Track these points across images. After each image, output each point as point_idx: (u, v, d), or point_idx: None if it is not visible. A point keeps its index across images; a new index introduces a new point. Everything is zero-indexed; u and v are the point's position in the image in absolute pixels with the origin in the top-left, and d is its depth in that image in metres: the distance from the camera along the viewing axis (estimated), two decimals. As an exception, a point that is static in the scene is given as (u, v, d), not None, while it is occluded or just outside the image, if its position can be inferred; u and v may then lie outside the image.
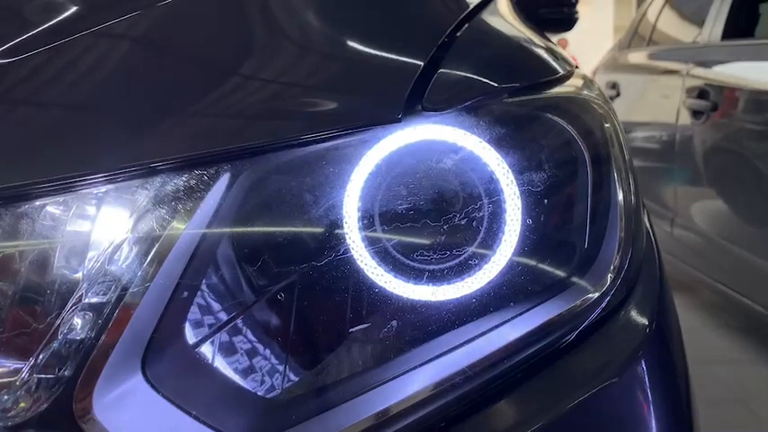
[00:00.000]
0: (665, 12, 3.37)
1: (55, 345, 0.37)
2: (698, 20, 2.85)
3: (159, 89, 0.45)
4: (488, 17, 0.75)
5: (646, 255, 0.58)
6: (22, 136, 0.41)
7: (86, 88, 0.45)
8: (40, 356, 0.37)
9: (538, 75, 0.62)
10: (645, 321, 0.53)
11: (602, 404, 0.48)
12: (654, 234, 0.65)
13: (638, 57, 3.55)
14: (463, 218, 0.50)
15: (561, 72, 0.66)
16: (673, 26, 3.32)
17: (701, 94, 2.46)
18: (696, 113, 2.49)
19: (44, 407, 0.37)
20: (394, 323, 0.47)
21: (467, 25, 0.68)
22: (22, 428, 0.37)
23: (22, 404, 0.37)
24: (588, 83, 0.72)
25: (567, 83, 0.65)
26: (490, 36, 0.71)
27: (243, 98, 0.46)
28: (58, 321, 0.38)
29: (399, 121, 0.47)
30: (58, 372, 0.38)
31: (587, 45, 7.95)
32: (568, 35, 8.90)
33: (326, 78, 0.50)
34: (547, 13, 1.68)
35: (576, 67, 0.79)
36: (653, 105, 3.12)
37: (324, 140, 0.44)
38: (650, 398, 0.51)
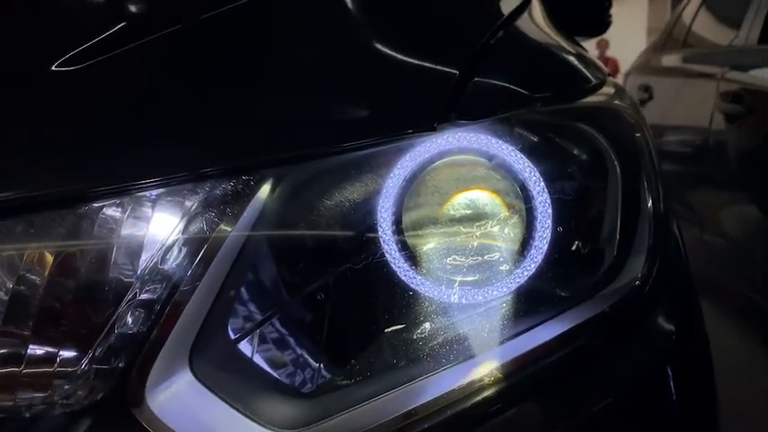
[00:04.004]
0: (700, 14, 3.32)
1: (111, 338, 0.40)
2: (735, 22, 2.81)
3: (208, 99, 0.48)
4: (523, 25, 0.77)
5: (673, 263, 0.59)
6: (81, 142, 0.44)
7: (141, 97, 0.48)
8: (98, 349, 0.40)
9: (571, 84, 0.64)
10: (671, 329, 0.54)
11: (625, 410, 0.49)
12: (682, 242, 0.66)
13: (671, 59, 3.50)
14: (495, 225, 0.51)
15: (594, 81, 0.67)
16: (708, 29, 3.27)
17: (736, 98, 2.42)
18: (730, 118, 2.46)
19: (100, 395, 0.40)
20: (426, 325, 0.49)
21: (501, 33, 0.70)
22: (80, 415, 0.40)
23: (81, 392, 0.40)
24: (620, 91, 0.73)
25: (600, 92, 0.67)
26: (524, 44, 0.72)
27: (284, 108, 0.48)
28: (113, 317, 0.40)
29: (434, 129, 0.49)
30: (114, 363, 0.40)
31: (622, 46, 7.87)
32: (606, 35, 8.82)
33: (364, 88, 0.52)
34: (580, 16, 1.68)
35: (609, 74, 0.80)
36: (686, 109, 3.08)
37: (360, 149, 0.46)
38: (675, 404, 0.53)
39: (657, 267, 0.54)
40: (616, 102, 0.65)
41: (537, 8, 0.90)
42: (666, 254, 0.56)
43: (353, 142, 0.47)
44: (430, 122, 0.49)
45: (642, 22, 8.55)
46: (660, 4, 8.32)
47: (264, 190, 0.44)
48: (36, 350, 0.40)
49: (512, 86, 0.59)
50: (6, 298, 0.39)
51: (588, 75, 0.70)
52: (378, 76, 0.54)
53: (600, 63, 0.93)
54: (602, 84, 0.69)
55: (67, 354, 0.40)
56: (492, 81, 0.58)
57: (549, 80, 0.62)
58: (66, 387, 0.40)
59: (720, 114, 2.53)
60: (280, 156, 0.45)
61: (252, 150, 0.45)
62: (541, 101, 0.57)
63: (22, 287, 0.39)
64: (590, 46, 8.87)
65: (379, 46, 0.57)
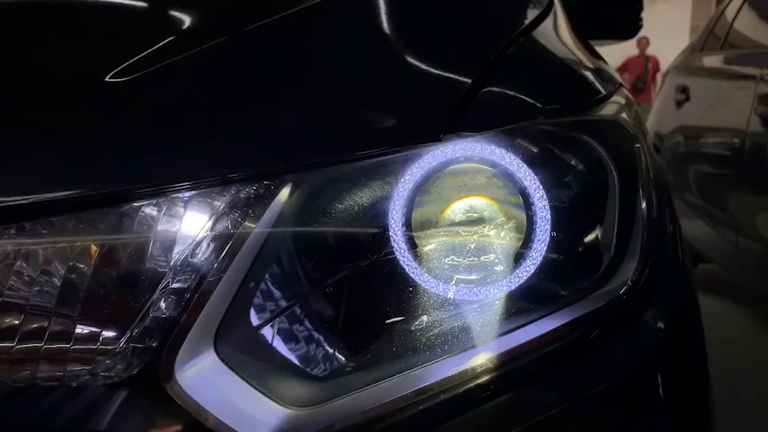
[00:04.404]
0: (743, 12, 3.26)
1: (146, 321, 0.46)
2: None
3: (237, 110, 0.53)
4: (538, 35, 0.80)
5: (668, 267, 0.62)
6: (125, 147, 0.49)
7: (178, 107, 0.53)
8: (135, 330, 0.46)
9: (578, 96, 0.67)
10: (660, 326, 0.57)
11: (611, 400, 0.53)
12: (681, 246, 0.69)
13: (710, 60, 3.45)
14: (498, 228, 0.56)
15: (602, 92, 0.70)
16: (751, 28, 3.21)
17: (775, 100, 2.38)
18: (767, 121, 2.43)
19: (136, 370, 0.46)
20: (430, 318, 0.54)
21: (516, 43, 0.73)
22: (118, 387, 0.46)
23: (119, 367, 0.46)
24: (628, 102, 0.76)
25: (607, 103, 0.70)
26: (536, 55, 0.75)
27: (303, 119, 0.53)
28: (149, 302, 0.46)
29: (440, 140, 0.53)
30: (148, 343, 0.46)
31: (665, 44, 7.74)
32: (648, 34, 8.66)
33: (376, 101, 0.57)
34: (611, 20, 1.69)
35: (621, 85, 0.83)
36: (723, 111, 3.04)
37: (370, 157, 0.51)
38: (660, 402, 0.56)
39: (649, 269, 0.57)
40: (619, 114, 0.69)
41: (557, 14, 0.93)
42: (658, 257, 0.59)
43: (364, 151, 0.51)
44: (436, 133, 0.53)
45: (686, 20, 8.38)
46: (705, 2, 8.13)
47: (284, 193, 0.49)
48: (83, 330, 0.46)
49: (519, 98, 0.63)
50: (59, 284, 0.45)
51: (598, 86, 0.73)
52: (389, 89, 0.58)
53: (613, 72, 0.96)
54: (610, 94, 0.72)
55: (109, 333, 0.46)
56: (500, 92, 0.62)
57: (556, 92, 0.65)
58: (108, 362, 0.46)
59: (758, 117, 2.50)
60: (298, 162, 0.50)
61: (273, 157, 0.50)
62: (547, 113, 0.61)
63: (73, 275, 0.45)
64: (630, 43, 8.73)
65: (392, 59, 0.62)
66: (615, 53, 8.78)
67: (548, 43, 0.80)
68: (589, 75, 0.78)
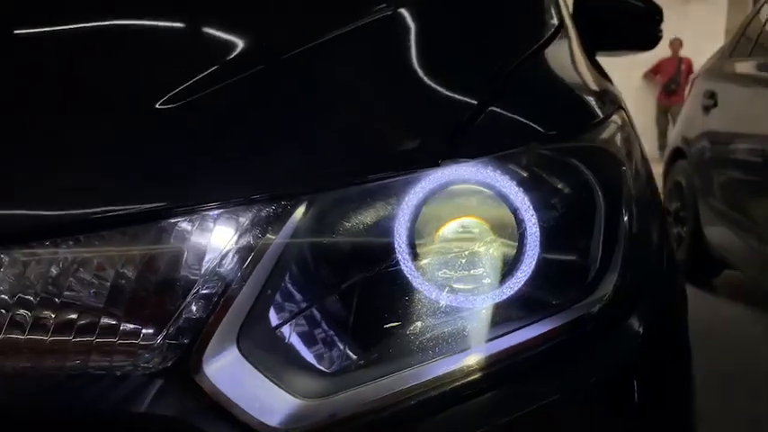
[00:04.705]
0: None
1: (180, 321, 0.54)
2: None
3: (260, 137, 0.61)
4: (543, 58, 0.85)
5: (650, 277, 0.68)
6: (165, 170, 0.57)
7: (211, 133, 0.61)
8: (170, 328, 0.54)
9: (576, 122, 0.73)
10: (639, 332, 0.63)
11: (587, 402, 0.60)
12: (666, 257, 0.75)
13: (739, 66, 3.43)
14: (486, 245, 0.62)
15: (599, 117, 0.76)
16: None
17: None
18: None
19: (170, 363, 0.54)
20: (429, 322, 0.61)
21: (520, 70, 0.79)
22: (154, 376, 0.53)
23: (156, 360, 0.53)
24: (623, 123, 0.81)
25: (604, 125, 0.76)
26: (539, 81, 0.80)
27: (315, 146, 0.61)
28: (182, 305, 0.54)
29: (438, 165, 0.60)
30: (181, 340, 0.54)
31: (700, 45, 7.63)
32: (682, 35, 8.57)
33: (381, 130, 0.64)
34: (630, 32, 1.72)
35: (620, 107, 0.88)
36: (750, 118, 3.03)
37: (375, 180, 0.59)
38: (636, 403, 0.62)
39: (630, 280, 0.63)
40: (611, 138, 0.74)
41: (564, 34, 0.98)
42: (640, 269, 0.65)
43: (370, 175, 0.59)
44: (435, 160, 0.60)
45: (721, 21, 8.25)
46: (741, 4, 7.98)
47: (299, 211, 0.57)
48: (127, 327, 0.54)
49: (518, 124, 0.69)
50: (109, 287, 0.53)
51: (596, 109, 0.79)
52: (394, 120, 0.65)
53: (615, 90, 1.01)
54: (607, 117, 0.78)
55: (148, 331, 0.54)
56: (500, 118, 0.68)
57: (554, 118, 0.71)
58: (147, 355, 0.53)
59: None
60: (312, 185, 0.58)
61: (290, 181, 0.58)
62: (544, 139, 0.67)
63: (120, 280, 0.53)
64: (663, 45, 8.61)
65: (398, 92, 0.69)
66: (647, 54, 8.67)
67: (551, 67, 0.86)
68: (589, 99, 0.84)
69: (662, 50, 8.30)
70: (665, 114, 8.74)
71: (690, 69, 8.10)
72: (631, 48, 1.79)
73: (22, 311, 0.52)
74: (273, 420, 0.53)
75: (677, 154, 3.93)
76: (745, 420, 2.01)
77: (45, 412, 0.52)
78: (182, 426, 0.52)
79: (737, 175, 3.12)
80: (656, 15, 1.69)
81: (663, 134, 8.62)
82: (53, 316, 0.53)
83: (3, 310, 0.52)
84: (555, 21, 0.97)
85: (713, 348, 2.87)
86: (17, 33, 0.77)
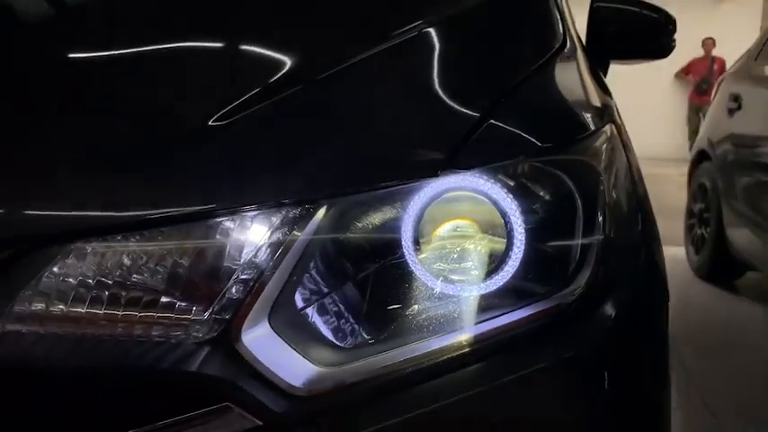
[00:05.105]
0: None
1: (223, 301, 0.66)
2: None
3: (290, 151, 0.73)
4: (545, 73, 0.96)
5: (623, 275, 0.79)
6: (214, 179, 0.70)
7: (254, 146, 0.73)
8: (216, 306, 0.66)
9: (568, 135, 0.84)
10: (609, 318, 0.74)
11: (560, 373, 0.71)
12: (642, 256, 0.85)
13: (763, 69, 3.45)
14: (481, 242, 0.74)
15: (590, 130, 0.87)
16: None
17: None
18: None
19: (215, 334, 0.66)
20: (428, 304, 0.73)
21: (522, 86, 0.90)
22: (203, 344, 0.65)
23: (205, 330, 0.66)
24: (611, 134, 0.92)
25: (593, 137, 0.87)
26: (538, 96, 0.91)
27: (334, 158, 0.73)
28: (225, 288, 0.66)
29: (437, 175, 0.71)
30: (224, 315, 0.66)
31: (734, 45, 7.54)
32: (713, 34, 8.48)
33: (391, 143, 0.76)
34: (643, 42, 1.79)
35: (611, 120, 0.98)
36: (771, 121, 3.06)
37: (383, 188, 0.71)
38: (604, 376, 0.74)
39: (601, 276, 0.75)
40: (598, 150, 0.85)
41: (567, 48, 1.06)
42: (611, 267, 0.76)
43: (379, 183, 0.71)
44: (435, 170, 0.72)
45: (756, 20, 8.13)
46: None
47: (321, 213, 0.69)
48: (181, 305, 0.66)
49: (514, 138, 0.80)
50: (167, 273, 0.66)
51: (588, 123, 0.90)
52: (401, 136, 0.77)
53: (611, 103, 1.10)
54: (595, 131, 0.89)
55: (198, 308, 0.66)
56: (497, 132, 0.80)
57: (548, 132, 0.81)
58: (197, 327, 0.66)
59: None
60: (331, 191, 0.70)
61: (313, 188, 0.70)
62: (531, 153, 0.78)
63: (176, 267, 0.66)
64: (695, 44, 8.52)
65: (405, 111, 0.81)
66: (679, 55, 8.64)
67: (549, 85, 0.96)
68: (580, 114, 0.94)
69: (695, 50, 8.23)
70: (696, 114, 8.66)
71: (722, 69, 8.01)
72: (645, 57, 1.85)
73: (100, 292, 0.65)
74: (297, 383, 0.66)
75: (702, 156, 3.96)
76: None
77: (117, 371, 0.66)
78: (223, 383, 0.64)
79: (760, 178, 3.15)
80: (669, 25, 1.75)
81: (694, 133, 8.55)
82: (124, 295, 0.66)
83: (87, 291, 0.65)
84: (558, 38, 1.07)
85: (733, 347, 2.91)
86: (83, 57, 0.91)
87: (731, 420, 2.29)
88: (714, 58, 8.36)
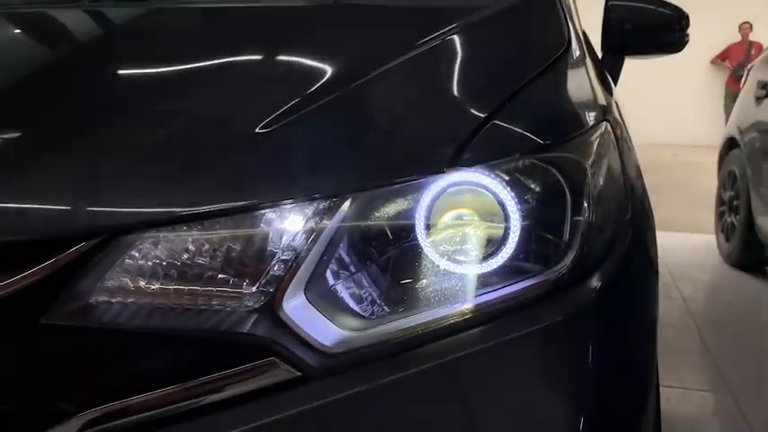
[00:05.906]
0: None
1: (268, 277, 0.81)
2: None
3: (319, 154, 0.88)
4: (545, 79, 1.09)
5: (607, 254, 0.92)
6: (259, 177, 0.85)
7: (293, 149, 0.87)
8: (262, 281, 0.81)
9: (565, 133, 0.97)
10: (594, 289, 0.87)
11: (552, 334, 0.84)
12: (631, 238, 0.98)
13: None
14: (482, 227, 0.88)
15: (585, 127, 1.00)
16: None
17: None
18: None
19: (262, 303, 0.81)
20: (437, 279, 0.87)
21: (525, 88, 1.03)
22: (252, 312, 0.80)
23: (254, 299, 0.81)
24: (605, 131, 1.04)
25: (586, 134, 0.99)
26: (536, 100, 1.03)
27: (358, 158, 0.88)
28: (269, 267, 0.81)
29: (443, 172, 0.85)
30: (268, 288, 0.81)
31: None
32: (750, 18, 8.32)
33: (405, 145, 0.90)
34: (657, 38, 1.88)
35: (605, 119, 1.10)
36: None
37: (397, 183, 0.85)
38: (590, 338, 0.87)
39: (586, 254, 0.88)
40: (588, 147, 0.98)
41: (572, 48, 1.19)
42: (595, 247, 0.89)
43: (395, 179, 0.85)
44: (441, 167, 0.86)
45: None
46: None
47: (346, 205, 0.83)
48: (235, 280, 0.81)
49: (509, 138, 0.94)
50: (223, 255, 0.82)
51: (584, 121, 1.03)
52: (414, 138, 0.91)
53: (609, 101, 1.22)
54: (588, 130, 1.01)
55: (248, 283, 0.81)
56: (500, 132, 0.93)
57: (540, 133, 0.94)
58: (248, 298, 0.80)
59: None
60: (355, 187, 0.85)
61: (340, 184, 0.84)
62: (527, 151, 0.91)
63: (231, 253, 0.82)
64: (732, 29, 8.34)
65: (417, 116, 0.95)
66: (716, 40, 8.48)
67: (549, 87, 1.08)
68: (576, 113, 1.07)
69: (732, 35, 8.08)
70: (733, 100, 8.50)
71: (760, 54, 7.88)
72: (659, 52, 1.94)
73: (171, 271, 0.82)
74: (328, 343, 0.81)
75: (731, 143, 3.97)
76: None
77: (185, 334, 0.81)
78: (269, 342, 0.80)
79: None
80: (682, 21, 1.84)
81: (732, 120, 8.40)
82: (189, 273, 0.82)
83: (160, 270, 0.81)
84: (563, 41, 1.19)
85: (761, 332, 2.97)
86: (151, 72, 1.08)
87: (752, 401, 2.37)
88: (752, 43, 8.19)
